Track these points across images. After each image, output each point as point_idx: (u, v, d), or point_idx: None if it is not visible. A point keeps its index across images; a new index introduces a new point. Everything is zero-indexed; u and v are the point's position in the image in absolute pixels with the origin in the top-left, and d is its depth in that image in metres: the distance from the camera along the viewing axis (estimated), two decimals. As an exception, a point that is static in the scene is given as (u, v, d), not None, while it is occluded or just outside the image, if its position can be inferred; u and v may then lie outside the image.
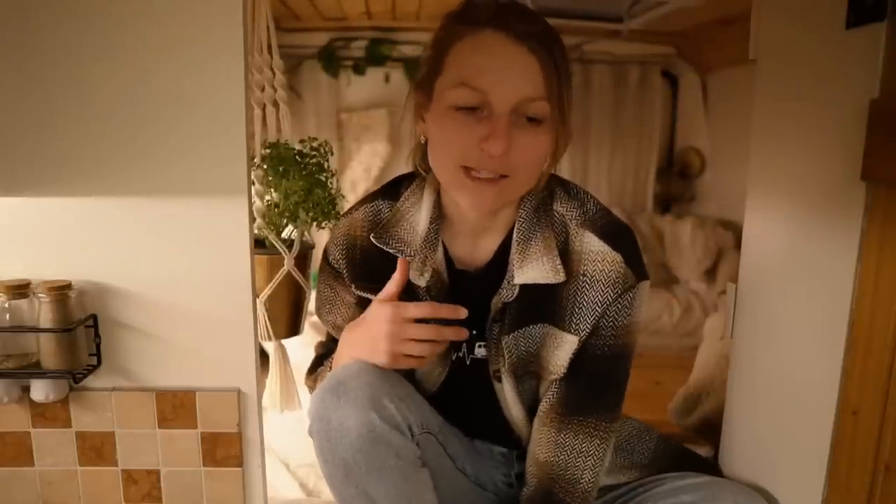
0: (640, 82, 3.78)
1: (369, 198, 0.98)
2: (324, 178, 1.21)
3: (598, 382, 0.91)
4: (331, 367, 0.96)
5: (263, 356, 1.20)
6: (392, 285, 0.89)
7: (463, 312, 0.86)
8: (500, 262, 0.92)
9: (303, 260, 1.21)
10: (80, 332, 1.02)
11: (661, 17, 2.89)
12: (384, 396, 0.82)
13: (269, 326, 1.19)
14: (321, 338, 1.11)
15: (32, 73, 0.97)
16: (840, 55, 0.89)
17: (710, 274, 3.53)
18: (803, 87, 0.99)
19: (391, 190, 0.97)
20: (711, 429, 1.50)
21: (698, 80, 3.83)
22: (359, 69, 3.64)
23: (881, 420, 0.81)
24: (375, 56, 3.60)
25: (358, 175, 3.76)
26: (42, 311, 0.97)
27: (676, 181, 3.99)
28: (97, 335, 1.04)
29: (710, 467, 1.12)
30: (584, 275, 0.87)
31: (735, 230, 3.43)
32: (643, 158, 3.87)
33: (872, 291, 0.83)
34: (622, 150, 3.84)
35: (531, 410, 0.96)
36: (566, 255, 0.88)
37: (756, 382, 1.12)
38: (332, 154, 1.23)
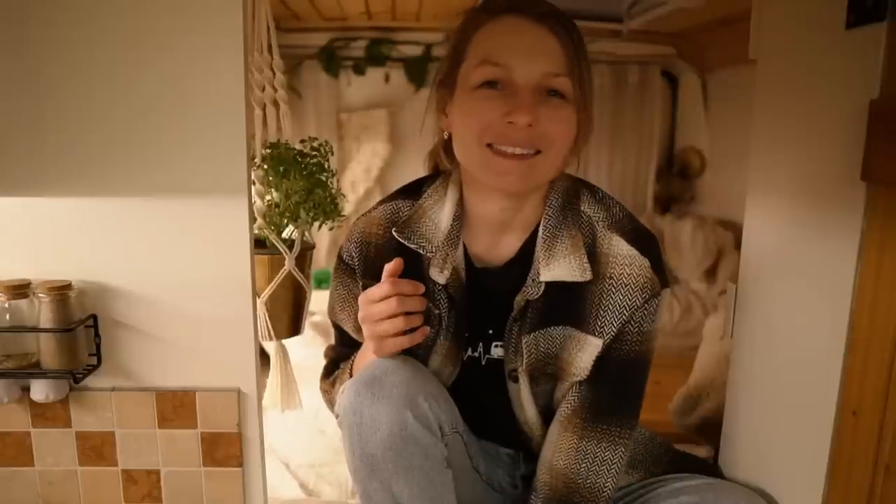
0: (640, 82, 3.77)
1: (389, 198, 0.98)
2: (324, 178, 1.21)
3: (621, 388, 0.90)
4: (351, 370, 0.96)
5: (263, 356, 1.20)
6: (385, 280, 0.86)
7: (421, 288, 0.86)
8: (522, 260, 0.91)
9: (303, 260, 1.21)
10: (80, 332, 1.02)
11: (661, 17, 2.89)
12: (419, 395, 0.82)
13: (269, 326, 1.19)
14: (322, 338, 1.11)
15: (34, 75, 0.98)
16: (840, 55, 0.89)
17: (710, 274, 3.53)
18: (803, 87, 0.99)
19: (412, 189, 0.97)
20: (711, 429, 1.50)
21: (698, 80, 3.82)
22: (359, 69, 3.64)
23: (881, 420, 0.81)
24: (375, 56, 3.60)
25: (358, 175, 3.76)
26: (42, 311, 0.97)
27: (676, 181, 3.98)
28: (97, 335, 1.04)
29: (710, 469, 1.12)
30: (610, 277, 0.87)
31: (735, 230, 3.43)
32: (643, 158, 3.86)
33: (872, 291, 0.83)
34: (622, 150, 3.83)
35: (544, 412, 0.96)
36: (593, 256, 0.87)
37: (756, 382, 1.12)
38: (332, 154, 1.23)
